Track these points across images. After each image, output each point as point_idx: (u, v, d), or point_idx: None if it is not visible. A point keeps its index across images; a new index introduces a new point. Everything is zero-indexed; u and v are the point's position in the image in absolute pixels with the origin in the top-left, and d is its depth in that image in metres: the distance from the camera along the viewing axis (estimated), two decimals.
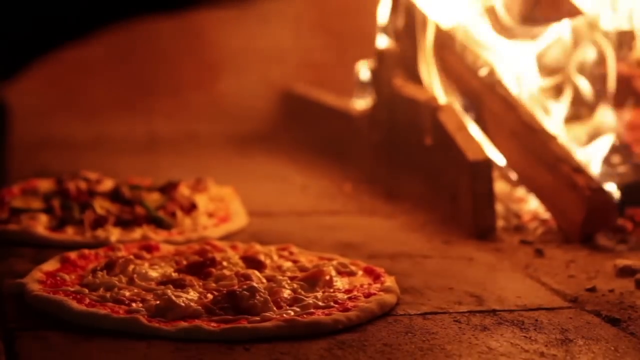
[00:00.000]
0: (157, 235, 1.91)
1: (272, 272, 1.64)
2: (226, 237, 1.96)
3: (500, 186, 2.24)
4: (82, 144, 2.98)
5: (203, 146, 3.02)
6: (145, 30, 3.09)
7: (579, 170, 2.05)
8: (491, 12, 2.29)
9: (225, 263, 1.65)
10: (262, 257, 1.69)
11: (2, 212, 1.98)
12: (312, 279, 1.59)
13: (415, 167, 2.34)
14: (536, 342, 1.44)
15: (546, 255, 1.93)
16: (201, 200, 2.10)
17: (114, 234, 1.90)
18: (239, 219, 2.08)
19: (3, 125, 2.08)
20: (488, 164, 2.09)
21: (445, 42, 2.35)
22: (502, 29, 2.27)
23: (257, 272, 1.61)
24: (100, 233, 1.90)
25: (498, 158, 2.22)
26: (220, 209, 2.11)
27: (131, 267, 1.61)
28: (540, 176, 2.12)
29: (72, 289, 1.53)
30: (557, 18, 2.24)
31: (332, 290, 1.57)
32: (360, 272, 1.66)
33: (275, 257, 1.72)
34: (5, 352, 1.37)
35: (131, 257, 1.66)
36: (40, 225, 1.92)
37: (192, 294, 1.52)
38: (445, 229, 2.10)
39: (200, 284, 1.58)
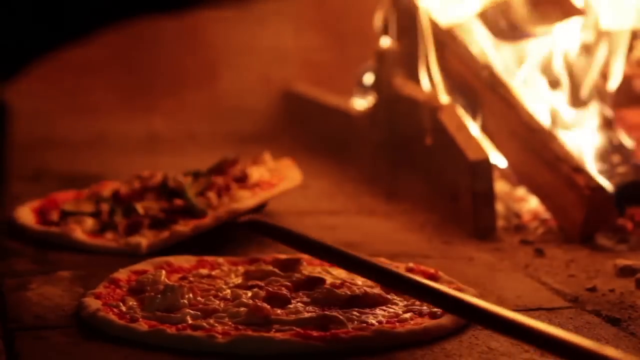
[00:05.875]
0: (185, 227, 1.87)
1: None
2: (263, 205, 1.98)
3: (500, 186, 2.25)
4: (82, 143, 2.98)
5: (203, 146, 3.02)
6: (145, 30, 3.09)
7: (578, 169, 2.05)
8: (491, 12, 2.29)
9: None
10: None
11: (53, 214, 1.97)
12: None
13: (416, 167, 2.34)
14: None
15: (546, 255, 1.93)
16: (256, 172, 2.07)
17: (147, 237, 1.86)
18: (288, 183, 2.06)
19: (3, 125, 2.08)
20: (488, 163, 2.09)
21: (445, 42, 2.34)
22: (502, 29, 2.28)
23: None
24: (132, 239, 1.86)
25: (498, 158, 2.22)
26: (275, 177, 2.09)
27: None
28: (540, 176, 2.12)
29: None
30: (557, 18, 2.24)
31: None
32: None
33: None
34: (5, 352, 1.37)
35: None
36: (79, 229, 1.90)
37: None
38: (445, 229, 2.10)
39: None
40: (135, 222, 1.90)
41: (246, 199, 1.97)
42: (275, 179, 2.08)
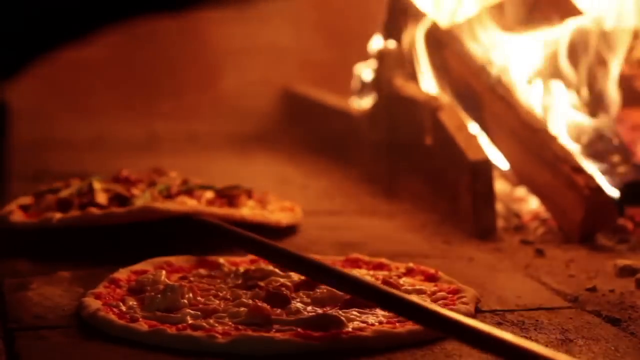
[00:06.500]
0: (99, 212, 1.87)
1: None
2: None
3: (500, 186, 2.24)
4: (82, 144, 2.98)
5: (203, 146, 3.02)
6: (145, 30, 3.09)
7: (578, 170, 2.05)
8: (490, 12, 2.29)
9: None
10: None
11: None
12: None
13: (416, 167, 2.34)
14: (536, 342, 1.43)
15: (546, 255, 1.93)
16: (247, 209, 2.01)
17: (72, 214, 1.88)
18: (250, 215, 1.98)
19: (3, 125, 2.08)
20: (488, 164, 2.09)
21: (445, 42, 2.35)
22: (502, 29, 2.28)
23: None
24: (51, 214, 1.88)
25: (498, 158, 2.22)
26: (259, 215, 2.00)
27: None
28: (540, 176, 2.12)
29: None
30: (557, 18, 2.24)
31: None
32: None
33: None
34: (5, 352, 1.37)
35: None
36: (20, 213, 1.92)
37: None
38: (445, 229, 2.10)
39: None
40: (65, 200, 1.93)
41: (175, 204, 1.91)
42: (258, 217, 1.98)
